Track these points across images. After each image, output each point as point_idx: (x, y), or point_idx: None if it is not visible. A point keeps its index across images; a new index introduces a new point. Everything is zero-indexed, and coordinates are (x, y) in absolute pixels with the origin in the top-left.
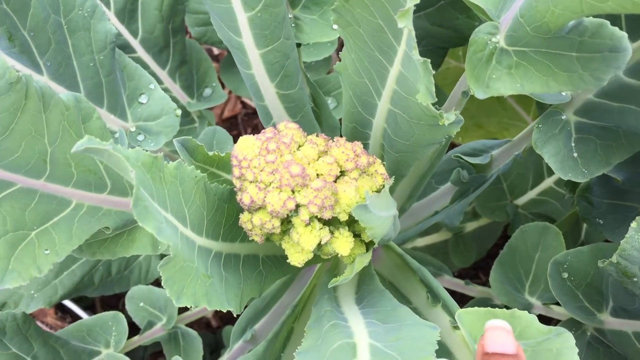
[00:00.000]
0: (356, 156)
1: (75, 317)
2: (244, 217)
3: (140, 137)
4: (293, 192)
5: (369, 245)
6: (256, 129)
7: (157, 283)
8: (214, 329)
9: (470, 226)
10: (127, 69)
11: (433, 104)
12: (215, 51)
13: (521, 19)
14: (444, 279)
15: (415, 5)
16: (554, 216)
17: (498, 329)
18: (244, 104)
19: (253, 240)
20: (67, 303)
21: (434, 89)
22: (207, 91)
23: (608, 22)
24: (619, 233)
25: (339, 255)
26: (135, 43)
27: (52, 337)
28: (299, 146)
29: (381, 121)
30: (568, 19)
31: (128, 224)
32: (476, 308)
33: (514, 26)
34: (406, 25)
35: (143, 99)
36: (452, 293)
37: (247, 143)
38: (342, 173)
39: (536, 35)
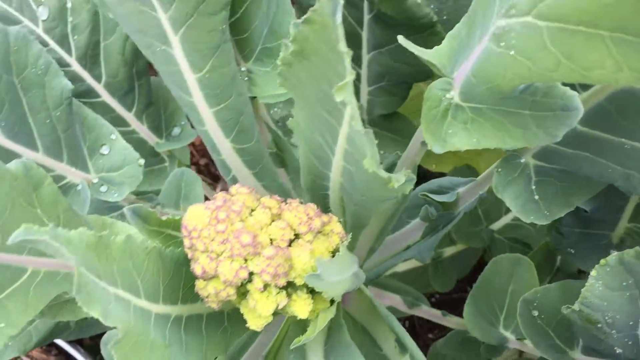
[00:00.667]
0: (309, 219)
1: (60, 349)
2: (199, 284)
3: (103, 189)
4: (246, 260)
5: (332, 299)
6: None
7: None
8: None
9: (449, 251)
10: (87, 121)
11: (382, 163)
12: None
13: (473, 78)
14: (421, 309)
15: (376, 44)
16: (528, 241)
17: None
18: None
19: None
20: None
21: (378, 157)
22: (176, 130)
23: (559, 83)
24: (591, 262)
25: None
26: (99, 87)
27: None
28: (252, 210)
29: (337, 176)
30: (519, 83)
31: None
32: None
33: (466, 84)
34: (344, 99)
35: (104, 150)
36: (430, 323)
37: (197, 212)
38: (297, 236)
39: (489, 94)
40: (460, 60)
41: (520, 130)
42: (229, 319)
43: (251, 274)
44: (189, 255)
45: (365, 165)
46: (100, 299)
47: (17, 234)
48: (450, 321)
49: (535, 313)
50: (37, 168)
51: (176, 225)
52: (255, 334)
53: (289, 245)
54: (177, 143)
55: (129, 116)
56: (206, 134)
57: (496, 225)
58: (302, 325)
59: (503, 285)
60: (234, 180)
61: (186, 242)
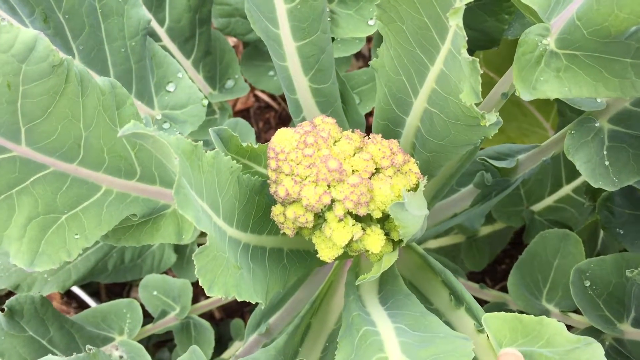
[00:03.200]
0: (392, 154)
1: (81, 303)
2: (275, 210)
3: (166, 125)
4: (329, 186)
5: (395, 244)
6: (268, 123)
7: (168, 273)
8: (217, 321)
9: (485, 230)
10: (156, 57)
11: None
12: (231, 43)
13: (578, 21)
14: (458, 281)
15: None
16: (570, 224)
17: (511, 355)
18: (257, 98)
19: (279, 233)
20: (74, 289)
21: (480, 89)
22: (230, 83)
23: None
24: (639, 244)
25: (368, 253)
26: (161, 32)
27: (68, 321)
28: (335, 141)
29: (415, 120)
30: (632, 24)
31: (154, 212)
32: (503, 313)
33: (568, 29)
34: (457, 23)
35: (170, 87)
36: None
37: (285, 136)
38: (377, 170)
39: (592, 39)
40: (559, 7)
41: (617, 80)
42: (287, 257)
43: (333, 200)
44: (273, 178)
45: (462, 99)
46: (194, 204)
47: (127, 127)
48: (488, 294)
49: (587, 283)
50: (121, 87)
51: (252, 154)
52: (299, 281)
53: (370, 178)
54: (231, 95)
55: (187, 63)
56: (285, 69)
57: (537, 207)
58: (354, 274)
59: (549, 258)
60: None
61: (272, 164)
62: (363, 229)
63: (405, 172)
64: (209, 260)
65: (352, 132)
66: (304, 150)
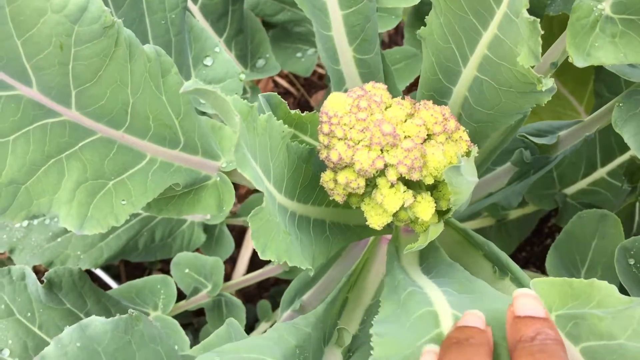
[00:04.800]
0: (445, 120)
1: (103, 285)
2: (325, 176)
3: (203, 100)
4: (382, 151)
5: (441, 215)
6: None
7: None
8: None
9: (514, 214)
10: (194, 31)
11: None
12: None
13: None
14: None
15: None
16: (604, 207)
17: (526, 296)
18: (276, 83)
19: (323, 204)
20: (96, 271)
21: (540, 51)
22: (261, 62)
23: None
24: None
25: (415, 223)
26: (194, 9)
27: (104, 295)
28: (387, 107)
29: (463, 89)
30: None
31: (196, 182)
32: (551, 278)
33: None
34: None
35: (208, 61)
36: None
37: (338, 100)
38: (429, 136)
39: None
40: None
41: None
42: (329, 229)
43: (385, 165)
44: (325, 143)
45: (520, 62)
46: (251, 164)
47: (188, 84)
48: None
49: (632, 261)
50: (166, 55)
51: (299, 122)
52: (333, 258)
53: (422, 144)
54: (262, 74)
55: (219, 41)
56: (330, 39)
57: (570, 190)
58: (394, 248)
59: (587, 239)
60: None
61: (324, 128)
62: (414, 196)
63: (456, 140)
64: (262, 224)
65: (403, 98)
66: (357, 114)
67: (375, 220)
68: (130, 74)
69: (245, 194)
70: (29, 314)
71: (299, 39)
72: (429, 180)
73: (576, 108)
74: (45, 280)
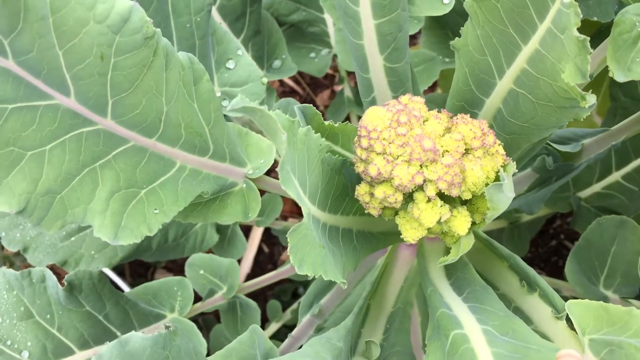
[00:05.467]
0: (483, 134)
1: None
2: (360, 189)
3: (225, 103)
4: (421, 166)
5: (471, 227)
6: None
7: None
8: None
9: (527, 216)
10: (217, 34)
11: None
12: None
13: None
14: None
15: None
16: (619, 211)
17: (570, 357)
18: (282, 82)
19: (351, 214)
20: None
21: (587, 69)
22: (277, 63)
23: None
24: None
25: (447, 235)
26: (212, 9)
27: (122, 297)
28: (424, 120)
29: (497, 101)
30: None
31: (223, 189)
32: (587, 300)
33: None
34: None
35: (230, 64)
36: None
37: (377, 114)
38: (467, 151)
39: None
40: None
41: None
42: (357, 238)
43: (425, 180)
44: (363, 157)
45: (565, 79)
46: (294, 181)
47: (236, 101)
48: None
49: None
50: (198, 62)
51: (331, 133)
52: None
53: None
54: (278, 75)
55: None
56: (360, 48)
57: (584, 193)
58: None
59: (605, 246)
60: (372, 102)
61: (363, 143)
62: (450, 210)
63: (492, 154)
64: (300, 239)
65: (439, 111)
66: (397, 129)
67: (411, 234)
68: (166, 83)
69: None
70: (48, 316)
71: (313, 40)
72: (467, 196)
73: (593, 118)
74: (65, 283)
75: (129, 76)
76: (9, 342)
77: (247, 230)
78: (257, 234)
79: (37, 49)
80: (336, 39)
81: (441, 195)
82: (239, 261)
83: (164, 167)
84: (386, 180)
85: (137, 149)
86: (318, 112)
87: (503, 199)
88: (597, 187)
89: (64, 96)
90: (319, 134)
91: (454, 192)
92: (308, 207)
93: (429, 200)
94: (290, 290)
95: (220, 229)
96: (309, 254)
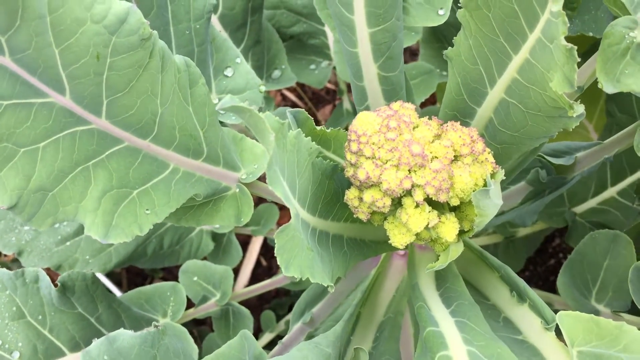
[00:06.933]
0: (472, 142)
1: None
2: (350, 194)
3: (222, 110)
4: (410, 171)
5: (460, 235)
6: None
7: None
8: None
9: (523, 231)
10: (216, 41)
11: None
12: None
13: None
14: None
15: None
16: (614, 226)
17: None
18: (284, 96)
19: (342, 219)
20: (99, 276)
21: (575, 78)
22: (277, 73)
23: None
24: None
25: (436, 242)
26: (213, 18)
27: (115, 301)
28: (414, 127)
29: (488, 111)
30: None
31: (215, 193)
32: (578, 312)
33: None
34: (557, 9)
35: (228, 72)
36: None
37: (368, 119)
38: (456, 158)
39: None
40: None
41: None
42: (347, 244)
43: (413, 185)
44: (352, 161)
45: (553, 87)
46: (282, 182)
47: (225, 101)
48: None
49: None
50: (195, 66)
51: (323, 138)
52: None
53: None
54: (277, 85)
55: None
56: (355, 56)
57: (579, 209)
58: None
59: (598, 260)
60: (366, 110)
61: (353, 147)
62: (438, 216)
63: (482, 162)
64: (287, 240)
65: (429, 118)
66: (386, 134)
67: (399, 239)
68: (161, 84)
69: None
70: (40, 317)
71: (313, 51)
72: (455, 202)
73: (586, 126)
74: (59, 284)
75: (125, 77)
76: (0, 342)
77: (245, 242)
78: (255, 246)
79: (34, 47)
80: (334, 50)
81: (429, 202)
82: (236, 272)
83: (157, 168)
84: (375, 184)
85: (130, 149)
86: (310, 117)
87: (490, 205)
88: (592, 203)
89: (59, 94)
90: (309, 138)
91: (442, 198)
92: (296, 208)
93: (417, 205)
94: (287, 305)
95: (216, 237)
96: (296, 256)
